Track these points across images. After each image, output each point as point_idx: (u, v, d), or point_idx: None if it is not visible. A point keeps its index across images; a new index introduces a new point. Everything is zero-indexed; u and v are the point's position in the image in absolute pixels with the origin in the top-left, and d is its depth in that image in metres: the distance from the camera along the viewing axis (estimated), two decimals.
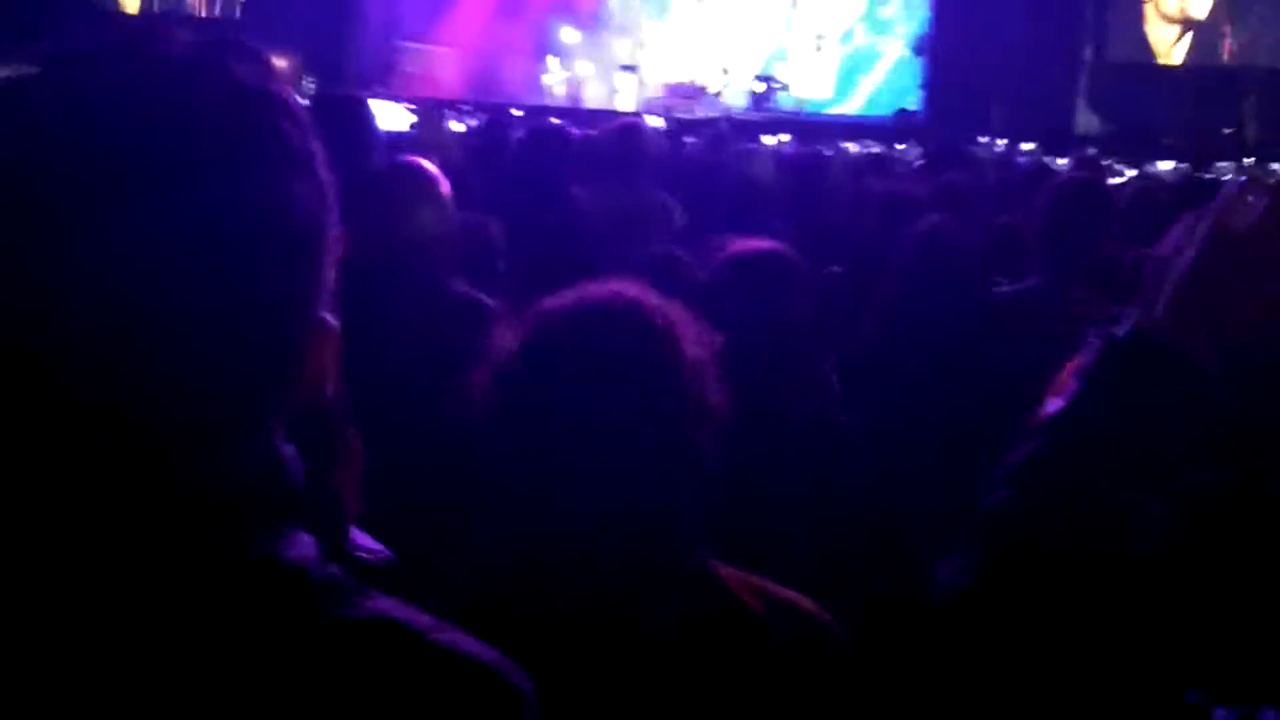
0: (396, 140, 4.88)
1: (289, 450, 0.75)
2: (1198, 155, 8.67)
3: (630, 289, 1.38)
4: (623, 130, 4.77)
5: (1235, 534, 1.32)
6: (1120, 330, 1.05)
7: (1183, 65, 11.97)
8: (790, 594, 1.40)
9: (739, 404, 1.39)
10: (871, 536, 2.33)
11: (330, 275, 0.75)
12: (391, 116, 5.31)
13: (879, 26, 13.56)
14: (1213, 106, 11.25)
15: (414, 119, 5.51)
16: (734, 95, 13.65)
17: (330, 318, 0.76)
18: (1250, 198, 1.04)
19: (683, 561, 1.33)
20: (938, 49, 12.43)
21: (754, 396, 2.35)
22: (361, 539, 1.71)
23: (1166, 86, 11.84)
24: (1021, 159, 6.97)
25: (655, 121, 9.63)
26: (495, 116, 6.20)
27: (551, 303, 1.38)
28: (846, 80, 13.73)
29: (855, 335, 3.33)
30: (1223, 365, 1.05)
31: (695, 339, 1.36)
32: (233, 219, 0.68)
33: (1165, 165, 8.51)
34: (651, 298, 1.38)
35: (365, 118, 4.09)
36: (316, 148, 0.74)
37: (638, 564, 1.29)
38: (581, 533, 1.29)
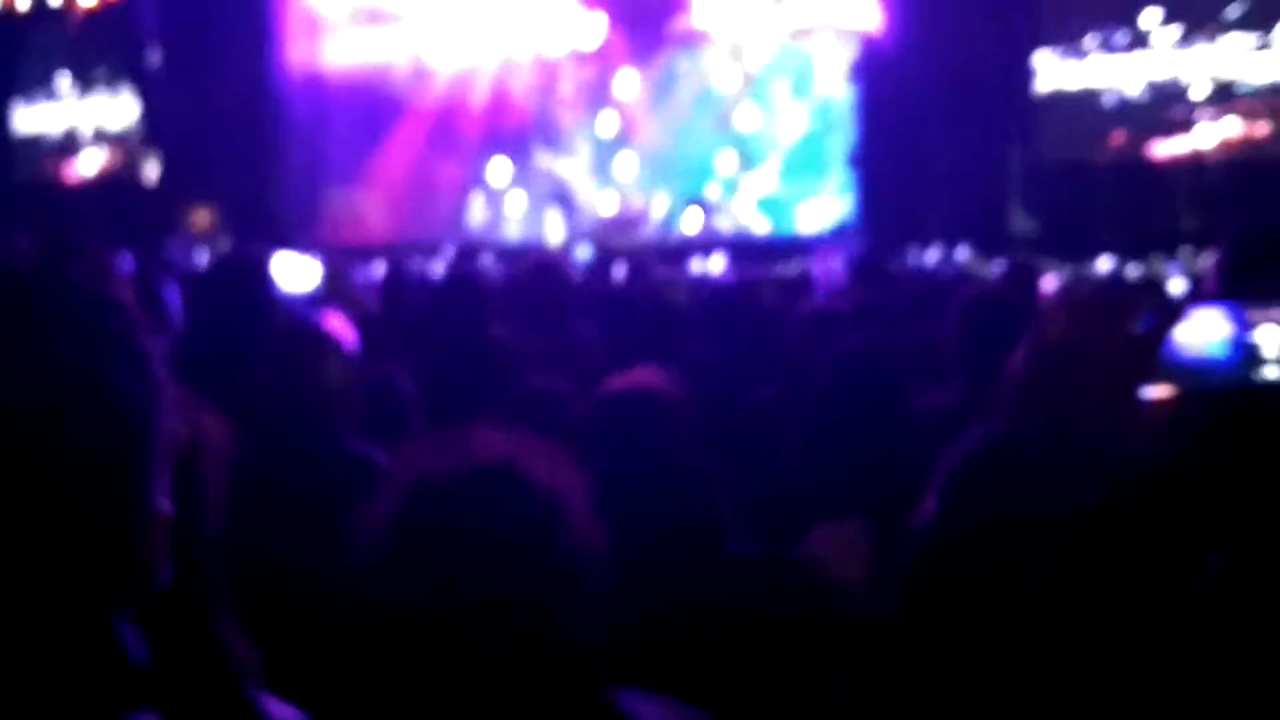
0: (307, 297, 4.82)
1: (131, 634, 0.77)
2: (1133, 249, 8.71)
3: (510, 442, 1.35)
4: (539, 268, 4.72)
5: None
6: (969, 445, 1.14)
7: (1113, 161, 12.13)
8: None
9: (619, 548, 1.37)
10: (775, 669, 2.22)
11: (163, 466, 0.79)
12: (303, 271, 5.23)
13: (810, 142, 13.73)
14: (1146, 200, 11.38)
15: (324, 273, 5.44)
16: (669, 220, 13.72)
17: (164, 504, 0.79)
18: (1059, 305, 1.22)
19: (591, 704, 1.31)
20: (869, 160, 12.57)
21: (633, 539, 2.26)
22: (275, 708, 1.65)
23: (1098, 183, 11.99)
24: (945, 267, 6.95)
25: (583, 252, 9.66)
26: (399, 266, 6.15)
27: (428, 460, 1.33)
28: (782, 196, 13.84)
29: (779, 459, 3.26)
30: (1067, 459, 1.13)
31: (578, 488, 1.34)
32: (59, 412, 0.72)
33: (1103, 261, 8.54)
34: (533, 448, 1.34)
35: (263, 278, 4.02)
36: (149, 342, 0.79)
37: (544, 712, 1.28)
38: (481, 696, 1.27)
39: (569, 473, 1.34)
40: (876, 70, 12.35)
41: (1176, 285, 5.24)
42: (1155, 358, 1.24)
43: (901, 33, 12.02)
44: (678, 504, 2.22)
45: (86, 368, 0.74)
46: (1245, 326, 1.36)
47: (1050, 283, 5.05)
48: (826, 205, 13.36)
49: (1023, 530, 1.07)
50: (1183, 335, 1.24)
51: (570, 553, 1.29)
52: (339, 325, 2.99)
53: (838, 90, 13.31)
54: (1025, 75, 12.26)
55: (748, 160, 13.86)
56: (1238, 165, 11.39)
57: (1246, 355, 1.30)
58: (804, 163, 13.63)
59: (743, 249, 11.35)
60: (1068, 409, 1.17)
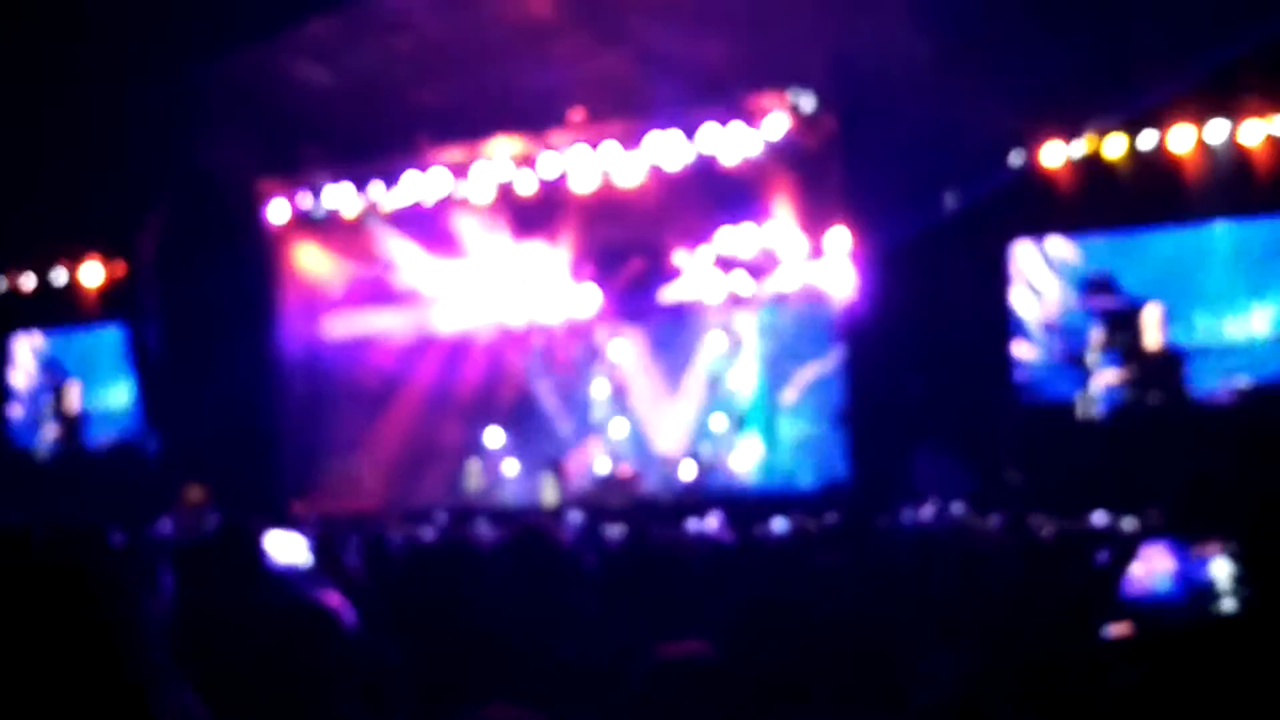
0: (299, 572, 4.76)
1: None
2: (1127, 504, 8.67)
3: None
4: (526, 533, 4.68)
5: None
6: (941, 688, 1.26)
7: (1104, 417, 12.27)
8: None
9: None
10: None
11: None
12: (298, 546, 5.18)
13: (795, 402, 13.94)
14: (1138, 453, 11.42)
15: (316, 545, 5.39)
16: (663, 479, 13.77)
17: None
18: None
19: None
20: (856, 419, 12.68)
21: None
22: None
23: (1090, 437, 12.08)
24: (941, 525, 6.94)
25: (575, 516, 9.63)
26: (383, 535, 6.13)
27: None
28: (773, 454, 13.93)
29: None
30: None
31: None
32: (61, 707, 0.75)
33: (1099, 516, 8.47)
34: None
35: (254, 553, 3.98)
36: (140, 617, 0.83)
37: None
38: None
39: None
40: (858, 331, 12.63)
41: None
42: (1113, 597, 1.26)
43: (879, 295, 12.35)
44: None
45: (80, 651, 0.77)
46: (1197, 562, 1.36)
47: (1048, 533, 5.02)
48: (817, 458, 13.45)
49: None
50: (1137, 572, 1.25)
51: None
52: (338, 602, 3.00)
53: (820, 351, 13.62)
54: (1006, 327, 12.54)
55: (738, 420, 14.04)
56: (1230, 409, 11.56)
57: (1201, 590, 1.30)
58: (789, 419, 13.85)
59: (737, 506, 11.33)
60: (1029, 651, 1.17)
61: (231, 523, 4.19)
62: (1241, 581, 1.35)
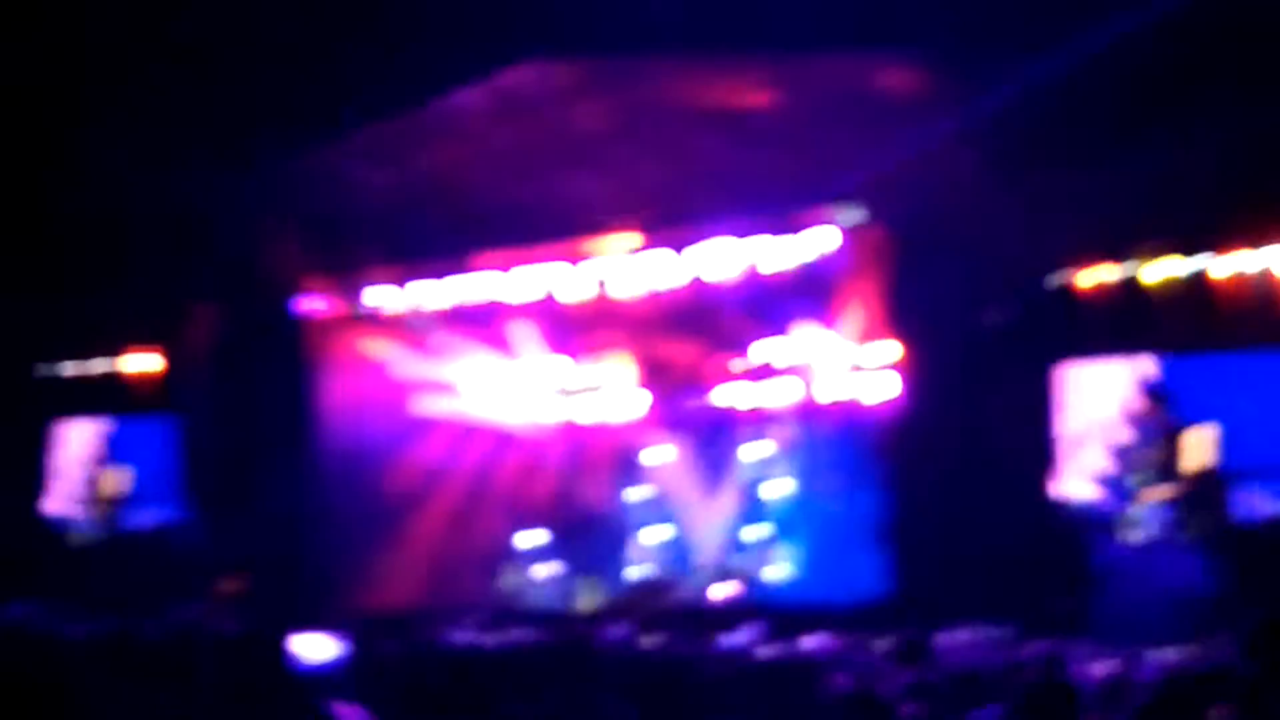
0: (326, 673, 4.73)
1: None
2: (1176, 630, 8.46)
3: None
4: (570, 641, 4.64)
5: None
6: None
7: (1149, 538, 12.04)
8: None
9: None
10: None
11: None
12: (321, 648, 5.15)
13: (839, 510, 13.77)
14: (1185, 576, 11.19)
15: (345, 646, 5.37)
16: (699, 588, 13.61)
17: None
18: None
19: None
20: (895, 534, 12.51)
21: None
22: None
23: (1135, 558, 11.85)
24: (992, 651, 6.78)
25: (611, 623, 9.53)
26: (416, 639, 6.08)
27: None
28: (811, 566, 13.75)
29: None
30: None
31: None
32: None
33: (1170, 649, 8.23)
34: None
35: (281, 658, 3.96)
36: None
37: None
38: None
39: None
40: (899, 445, 12.52)
41: None
42: None
43: (922, 409, 12.26)
44: None
45: None
46: None
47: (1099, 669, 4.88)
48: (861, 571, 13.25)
49: None
50: None
51: None
52: (350, 714, 3.01)
53: (861, 464, 13.49)
54: (1049, 445, 12.39)
55: (776, 531, 13.89)
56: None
57: None
58: (828, 531, 13.67)
59: (773, 618, 11.15)
60: None
61: (260, 625, 4.16)
62: None
